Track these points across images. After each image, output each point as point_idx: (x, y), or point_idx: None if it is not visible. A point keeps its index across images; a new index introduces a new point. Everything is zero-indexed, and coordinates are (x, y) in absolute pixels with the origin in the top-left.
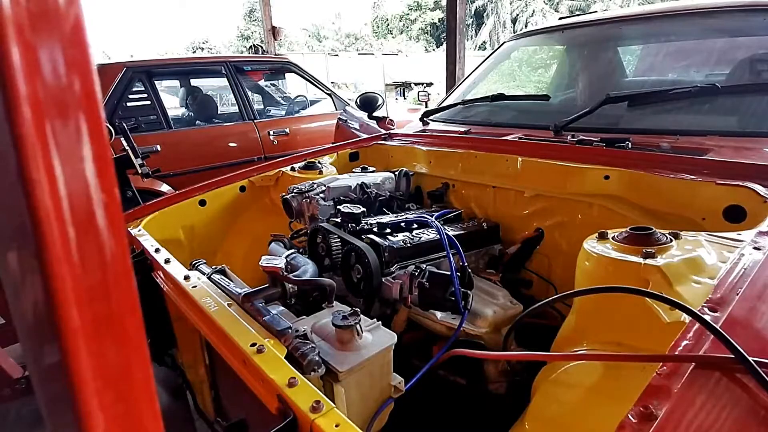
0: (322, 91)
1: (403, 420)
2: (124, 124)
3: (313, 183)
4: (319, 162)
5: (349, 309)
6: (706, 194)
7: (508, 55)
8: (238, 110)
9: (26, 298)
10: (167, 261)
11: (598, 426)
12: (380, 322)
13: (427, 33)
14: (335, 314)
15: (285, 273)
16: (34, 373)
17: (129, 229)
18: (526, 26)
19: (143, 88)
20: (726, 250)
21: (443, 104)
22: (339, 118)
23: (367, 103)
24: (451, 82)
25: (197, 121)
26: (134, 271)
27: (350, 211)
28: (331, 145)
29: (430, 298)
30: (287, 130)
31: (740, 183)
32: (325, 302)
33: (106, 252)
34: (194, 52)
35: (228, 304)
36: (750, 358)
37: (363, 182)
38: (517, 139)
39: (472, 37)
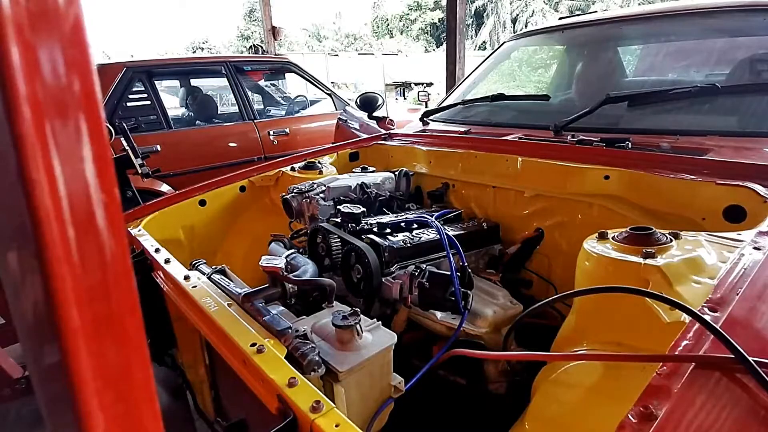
0: (322, 91)
1: (403, 420)
2: (124, 124)
3: (313, 183)
4: (319, 162)
5: (349, 309)
6: (706, 194)
7: (508, 55)
8: (238, 110)
9: (26, 298)
10: (167, 261)
11: (598, 426)
12: (380, 322)
13: (427, 33)
14: (335, 314)
15: (285, 273)
16: (34, 373)
17: (129, 229)
18: (526, 26)
19: (143, 88)
20: (726, 250)
21: (443, 104)
22: (339, 118)
23: (367, 103)
24: (451, 82)
25: (197, 121)
26: (134, 271)
27: (350, 211)
28: (331, 145)
29: (430, 298)
30: (287, 130)
31: (740, 183)
32: (325, 302)
33: (106, 252)
34: (194, 52)
35: (228, 304)
36: (750, 358)
37: (363, 182)
38: (517, 139)
39: (472, 37)
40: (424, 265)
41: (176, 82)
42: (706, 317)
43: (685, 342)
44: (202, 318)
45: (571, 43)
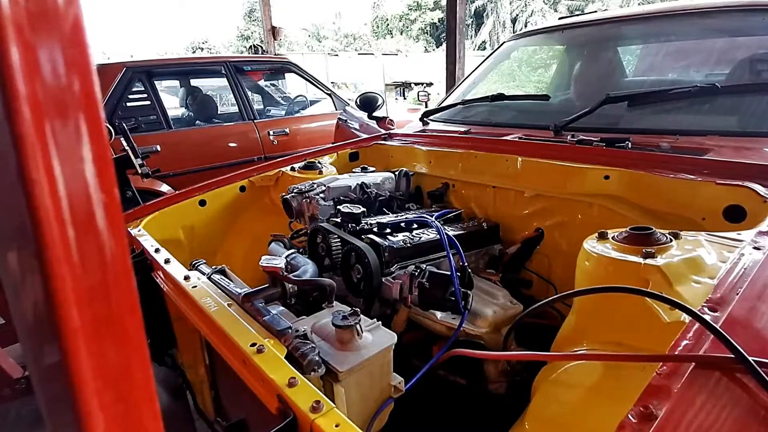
0: (322, 91)
1: (403, 420)
2: (124, 124)
3: (313, 183)
4: (319, 162)
5: (349, 309)
6: (706, 194)
7: (508, 55)
8: (238, 110)
9: (26, 298)
10: (167, 261)
11: (598, 426)
12: (380, 322)
13: (427, 33)
14: (335, 314)
15: (285, 273)
16: (34, 373)
17: (129, 229)
18: (525, 26)
19: (143, 88)
20: (726, 250)
21: (443, 104)
22: (339, 118)
23: (367, 103)
24: (451, 82)
25: (197, 121)
26: (134, 271)
27: (350, 211)
28: (331, 145)
29: (430, 298)
30: (287, 130)
31: (740, 183)
32: (325, 302)
33: (106, 252)
34: (194, 52)
35: (228, 304)
36: (750, 358)
37: (363, 182)
38: (517, 139)
39: (471, 37)
40: (424, 265)
41: (176, 82)
42: (706, 317)
43: (685, 342)
44: (202, 318)
45: (571, 43)
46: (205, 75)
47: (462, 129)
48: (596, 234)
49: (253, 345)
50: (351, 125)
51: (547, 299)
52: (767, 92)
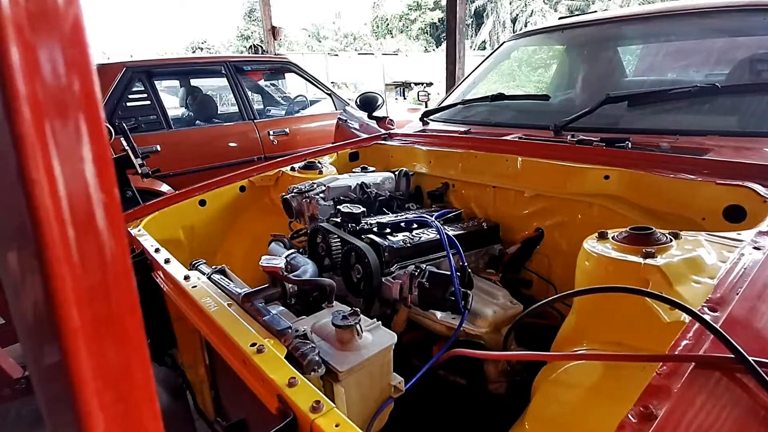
0: (322, 91)
1: (403, 420)
2: (124, 124)
3: (313, 183)
4: (319, 162)
5: (349, 309)
6: (706, 194)
7: (508, 55)
8: (238, 110)
9: (26, 298)
10: (167, 261)
11: (598, 426)
12: (380, 322)
13: (427, 33)
14: (335, 314)
15: (285, 273)
16: (34, 373)
17: (129, 229)
18: (525, 26)
19: (143, 88)
20: (726, 249)
21: (443, 104)
22: (339, 118)
23: (367, 103)
24: (451, 82)
25: (197, 121)
26: (134, 271)
27: (350, 211)
28: (331, 145)
29: (430, 298)
30: (287, 130)
31: (740, 183)
32: (325, 302)
33: (106, 252)
34: (194, 52)
35: (228, 304)
36: (750, 358)
37: (363, 182)
38: (517, 139)
39: (471, 37)
40: (424, 265)
41: (176, 82)
42: (706, 317)
43: (685, 342)
44: (202, 318)
45: (571, 43)
46: (205, 75)
47: (462, 129)
48: (596, 234)
49: (253, 345)
50: (351, 125)
51: (547, 299)
52: (767, 92)
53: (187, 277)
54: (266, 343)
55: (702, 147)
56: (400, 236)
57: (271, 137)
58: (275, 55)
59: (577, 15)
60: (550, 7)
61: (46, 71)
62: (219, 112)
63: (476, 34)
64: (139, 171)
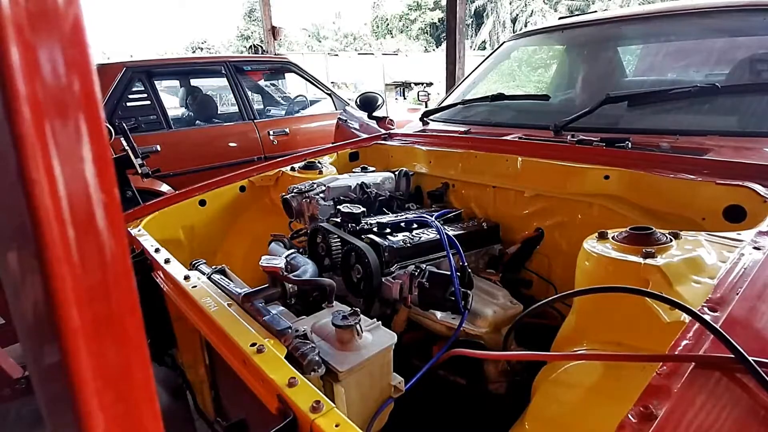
0: (322, 91)
1: (403, 420)
2: (124, 124)
3: (313, 183)
4: (319, 162)
5: (349, 309)
6: (706, 194)
7: (508, 55)
8: (238, 110)
9: (26, 298)
10: (167, 261)
11: (598, 426)
12: (380, 322)
13: (426, 33)
14: (335, 314)
15: (285, 273)
16: (34, 373)
17: (129, 229)
18: (525, 26)
19: (143, 88)
20: (726, 249)
21: (443, 104)
22: (339, 118)
23: (367, 103)
24: (451, 82)
25: (197, 121)
26: (134, 271)
27: (350, 211)
28: (331, 145)
29: (430, 298)
30: (287, 130)
31: (740, 183)
32: (325, 302)
33: (106, 252)
34: (193, 52)
35: (228, 304)
36: (750, 358)
37: (363, 182)
38: (517, 139)
39: (471, 37)
40: (424, 265)
41: (176, 82)
42: (706, 317)
43: (685, 342)
44: (202, 318)
45: (571, 43)
46: (205, 75)
47: (462, 129)
48: (596, 234)
49: (253, 345)
50: (351, 125)
51: (547, 299)
52: (767, 92)
53: (187, 277)
54: (266, 343)
55: (702, 147)
56: (400, 236)
57: (271, 137)
58: (275, 55)
59: (577, 15)
60: (550, 7)
61: (46, 71)
62: (219, 112)
63: (476, 34)
64: (139, 171)
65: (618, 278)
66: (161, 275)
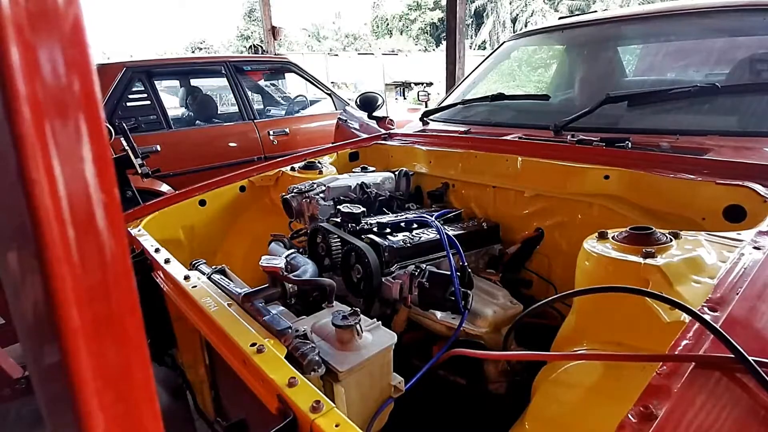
0: (322, 91)
1: (403, 420)
2: (124, 124)
3: (313, 183)
4: (319, 162)
5: (349, 309)
6: (706, 194)
7: (508, 54)
8: (238, 110)
9: (26, 298)
10: (167, 261)
11: (598, 426)
12: (380, 322)
13: (426, 33)
14: (335, 314)
15: (285, 273)
16: (34, 373)
17: (129, 229)
18: (525, 26)
19: (143, 88)
20: (726, 249)
21: (443, 104)
22: (339, 118)
23: (367, 103)
24: (451, 82)
25: (197, 121)
26: (134, 271)
27: (350, 211)
28: (331, 145)
29: (430, 298)
30: (287, 130)
31: (740, 183)
32: (325, 302)
33: (106, 252)
34: (193, 52)
35: (228, 304)
36: (750, 358)
37: (363, 182)
38: (517, 139)
39: (471, 37)
40: (424, 265)
41: (176, 82)
42: (706, 317)
43: (685, 342)
44: (202, 318)
45: (571, 43)
46: (205, 75)
47: (462, 129)
48: (596, 234)
49: (253, 345)
50: (351, 125)
51: (547, 299)
52: (767, 92)
53: (187, 277)
54: (266, 343)
55: (702, 147)
56: (400, 236)
57: (271, 137)
58: (275, 55)
59: (578, 15)
60: (550, 7)
61: (46, 71)
62: (219, 112)
63: (476, 34)
64: (139, 171)
65: (618, 278)
66: (161, 275)
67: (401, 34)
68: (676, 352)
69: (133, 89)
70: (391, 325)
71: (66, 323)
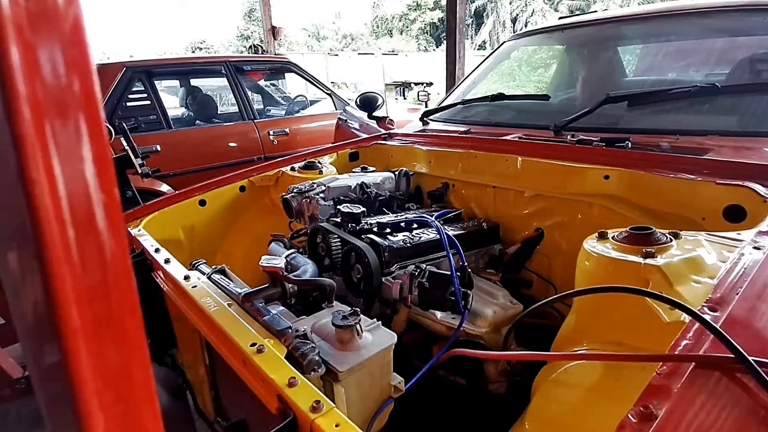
0: (322, 91)
1: (403, 420)
2: (124, 124)
3: (313, 183)
4: (319, 162)
5: (349, 309)
6: (706, 194)
7: (508, 54)
8: (238, 110)
9: (26, 298)
10: (167, 261)
11: (598, 426)
12: (380, 322)
13: (426, 33)
14: (335, 314)
15: (285, 273)
16: (34, 373)
17: (129, 229)
18: (525, 26)
19: (143, 88)
20: (726, 249)
21: (443, 104)
22: (339, 118)
23: (367, 102)
24: (451, 82)
25: (197, 121)
26: (134, 271)
27: (350, 211)
28: (331, 145)
29: (430, 298)
30: (287, 130)
31: (740, 183)
32: (325, 302)
33: (106, 252)
34: (193, 52)
35: (228, 304)
36: (750, 358)
37: (363, 182)
38: (517, 139)
39: (471, 37)
40: (424, 265)
41: (176, 82)
42: (706, 317)
43: (685, 342)
44: (202, 318)
45: (571, 43)
46: (205, 75)
47: (462, 129)
48: (596, 234)
49: (253, 345)
50: (351, 125)
51: (547, 299)
52: (767, 92)
53: (187, 277)
54: (266, 343)
55: (702, 147)
56: (400, 236)
57: (271, 137)
58: (275, 55)
59: (578, 15)
60: (550, 7)
61: (46, 71)
62: (219, 112)
63: (476, 34)
64: (139, 171)
65: (618, 278)
66: (161, 275)
67: (401, 34)
68: (676, 352)
69: (133, 89)
70: (391, 325)
71: (66, 323)
